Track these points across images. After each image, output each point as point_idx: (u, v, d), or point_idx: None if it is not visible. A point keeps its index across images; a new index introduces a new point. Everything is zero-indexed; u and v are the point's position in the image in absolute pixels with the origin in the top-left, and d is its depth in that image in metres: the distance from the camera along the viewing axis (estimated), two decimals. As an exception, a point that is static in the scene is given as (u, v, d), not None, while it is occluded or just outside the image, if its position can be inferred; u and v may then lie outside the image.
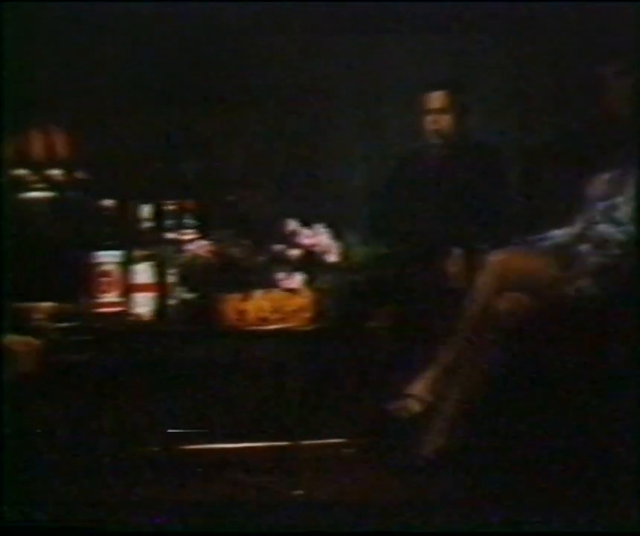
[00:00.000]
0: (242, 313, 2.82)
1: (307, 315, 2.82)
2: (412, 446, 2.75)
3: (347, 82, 3.95)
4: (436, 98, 3.37)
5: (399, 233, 3.26)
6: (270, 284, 2.84)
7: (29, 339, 1.89)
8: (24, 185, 3.37)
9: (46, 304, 2.84)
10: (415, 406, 2.81)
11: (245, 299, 2.83)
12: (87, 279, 2.96)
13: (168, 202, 3.17)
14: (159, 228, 3.15)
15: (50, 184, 3.39)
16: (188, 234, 3.10)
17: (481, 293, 2.81)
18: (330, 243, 2.94)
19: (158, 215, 3.16)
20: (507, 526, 2.34)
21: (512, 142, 3.77)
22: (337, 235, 2.96)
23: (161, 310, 2.92)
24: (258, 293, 2.83)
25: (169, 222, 3.15)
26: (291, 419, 2.82)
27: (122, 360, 2.81)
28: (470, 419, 2.73)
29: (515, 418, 2.72)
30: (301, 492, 2.66)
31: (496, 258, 2.85)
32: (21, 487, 1.96)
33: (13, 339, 1.86)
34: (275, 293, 2.83)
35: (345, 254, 2.96)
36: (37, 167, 3.40)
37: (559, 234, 2.91)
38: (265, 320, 2.82)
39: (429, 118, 3.38)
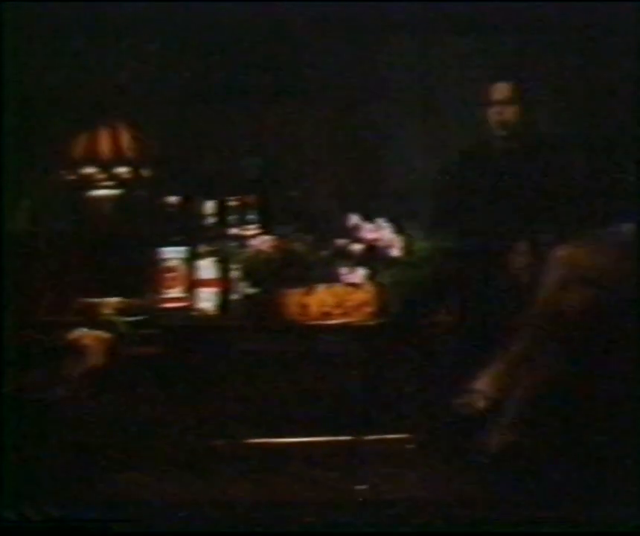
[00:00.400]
0: (304, 307, 2.83)
1: (370, 309, 2.81)
2: (476, 442, 2.72)
3: (411, 76, 3.92)
4: (501, 90, 3.33)
5: (462, 227, 3.23)
6: (333, 279, 2.85)
7: (99, 333, 1.93)
8: (92, 183, 3.45)
9: (114, 300, 2.90)
10: (479, 402, 2.78)
11: (307, 294, 2.84)
12: (153, 275, 3.01)
13: (231, 198, 3.21)
14: (223, 224, 3.18)
15: (117, 182, 3.45)
16: (251, 230, 3.13)
17: (547, 288, 2.77)
18: (393, 237, 2.93)
19: (222, 211, 3.20)
20: (568, 523, 2.30)
21: (578, 135, 3.70)
22: (400, 229, 2.95)
23: (224, 304, 2.95)
24: (321, 288, 2.84)
25: (232, 218, 3.18)
26: (354, 414, 2.82)
27: (187, 354, 2.85)
28: (535, 415, 2.69)
29: (580, 415, 2.68)
30: (364, 487, 2.65)
31: (562, 252, 2.80)
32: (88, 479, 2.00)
33: (84, 333, 1.90)
34: (338, 288, 2.83)
35: (408, 249, 2.95)
36: (104, 165, 3.46)
37: (626, 227, 2.85)
38: (327, 314, 2.82)
39: (494, 110, 3.33)
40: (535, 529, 2.30)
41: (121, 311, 2.83)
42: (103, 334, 1.93)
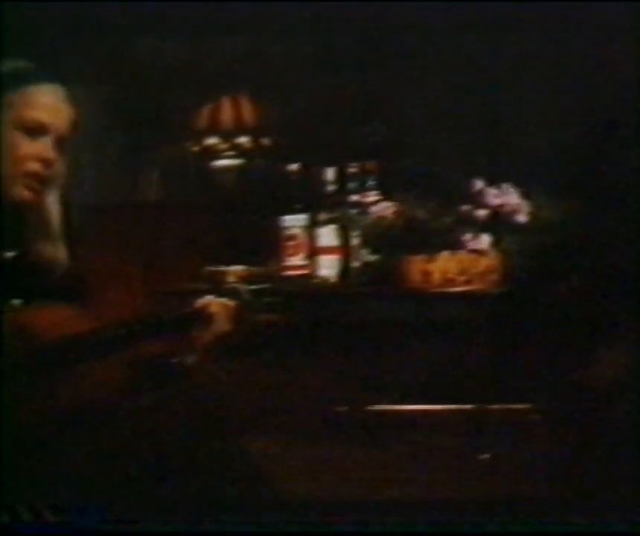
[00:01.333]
0: (427, 274, 2.80)
1: (495, 277, 2.75)
2: (600, 416, 2.64)
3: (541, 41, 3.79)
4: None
5: (591, 192, 3.11)
6: (456, 246, 2.80)
7: (225, 300, 1.95)
8: (216, 153, 3.51)
9: (239, 268, 2.95)
10: (605, 375, 2.68)
11: (430, 261, 2.80)
12: (275, 243, 3.05)
13: (352, 164, 3.19)
14: (343, 191, 3.18)
15: (240, 151, 3.50)
16: (372, 196, 3.11)
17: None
18: (519, 202, 2.85)
19: (343, 178, 3.19)
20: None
21: None
22: (526, 195, 2.87)
23: (345, 272, 2.95)
24: (444, 255, 2.79)
25: (353, 185, 3.17)
26: (477, 382, 2.78)
27: (308, 321, 2.87)
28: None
29: None
30: (487, 456, 2.62)
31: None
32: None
33: (211, 301, 1.93)
34: (462, 255, 2.78)
35: (534, 214, 2.86)
36: (227, 135, 3.52)
37: None
38: (451, 282, 2.78)
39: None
40: None
41: (245, 279, 2.87)
42: (229, 302, 1.95)
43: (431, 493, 2.43)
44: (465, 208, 2.86)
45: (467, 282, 2.77)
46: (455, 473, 2.53)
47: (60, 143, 1.78)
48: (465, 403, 2.82)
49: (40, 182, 1.77)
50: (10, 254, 1.79)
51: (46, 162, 1.75)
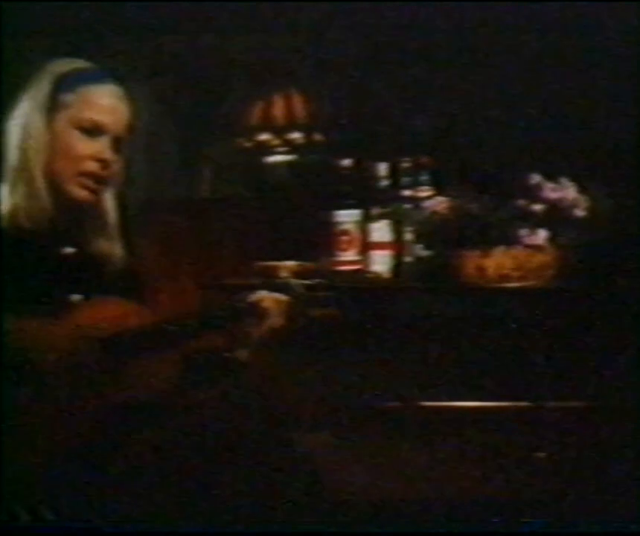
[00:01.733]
0: (481, 270, 2.76)
1: (551, 273, 2.71)
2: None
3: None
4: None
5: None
6: (512, 241, 2.76)
7: (278, 295, 1.96)
8: (268, 149, 3.52)
9: (291, 263, 2.95)
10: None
11: (485, 256, 2.77)
12: (327, 238, 3.04)
13: (405, 159, 3.17)
14: (396, 185, 3.16)
15: (292, 146, 3.51)
16: (426, 191, 3.08)
17: None
18: (577, 196, 2.80)
19: (395, 173, 3.17)
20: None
21: None
22: (584, 189, 2.81)
23: (398, 267, 2.94)
24: (499, 250, 2.75)
25: (406, 180, 3.15)
26: (532, 379, 2.74)
27: (361, 316, 2.86)
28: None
29: None
30: (542, 454, 2.58)
31: None
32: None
33: (264, 296, 1.94)
34: (517, 250, 2.74)
35: (592, 209, 2.80)
36: (279, 130, 3.52)
37: None
38: (506, 277, 2.74)
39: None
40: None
41: (297, 274, 2.87)
42: (282, 297, 1.96)
43: (483, 491, 2.41)
44: (521, 202, 2.81)
45: (523, 278, 2.73)
46: (510, 472, 2.50)
47: (117, 142, 1.80)
48: (519, 401, 2.79)
49: (98, 181, 1.80)
50: (69, 250, 1.82)
51: (104, 162, 1.78)
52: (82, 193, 1.80)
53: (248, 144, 3.56)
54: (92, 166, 1.78)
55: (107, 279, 1.83)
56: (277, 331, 1.96)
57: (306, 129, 3.51)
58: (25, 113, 1.78)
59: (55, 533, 1.71)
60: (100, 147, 1.78)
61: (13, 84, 1.96)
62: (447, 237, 2.87)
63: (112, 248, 1.86)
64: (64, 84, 1.77)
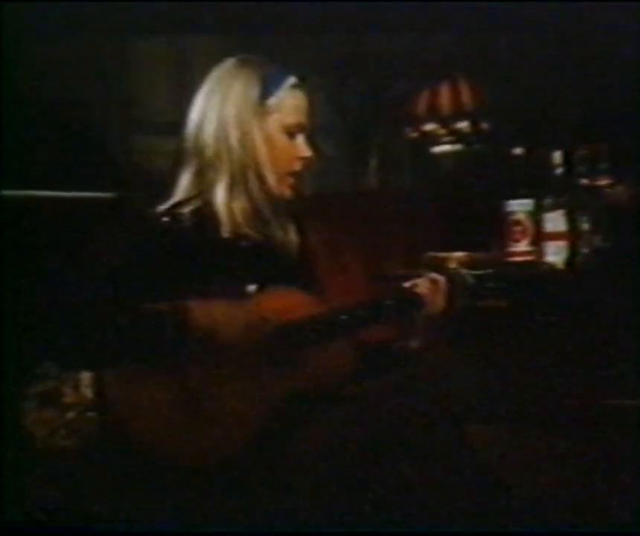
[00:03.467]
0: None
1: None
2: None
3: None
4: None
5: None
6: None
7: (448, 285, 1.93)
8: (436, 139, 3.48)
9: (460, 253, 2.91)
10: None
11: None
12: (498, 228, 2.97)
13: (581, 146, 3.04)
14: (572, 174, 3.03)
15: (459, 136, 3.45)
16: (603, 180, 2.94)
17: None
18: None
19: (571, 161, 3.05)
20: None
21: None
22: None
23: (573, 258, 2.83)
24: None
25: (582, 168, 3.02)
26: None
27: (534, 308, 2.77)
28: None
29: None
30: None
31: None
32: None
33: (433, 286, 1.91)
34: None
35: None
36: (446, 120, 3.48)
37: None
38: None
39: None
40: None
41: (467, 265, 2.83)
42: (453, 286, 1.93)
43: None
44: None
45: None
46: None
47: (311, 139, 1.86)
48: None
49: (299, 178, 1.87)
50: (247, 242, 1.87)
51: (306, 160, 1.85)
52: (287, 192, 1.87)
53: (415, 135, 3.54)
54: (298, 165, 1.85)
55: (281, 270, 1.86)
56: (447, 322, 1.93)
57: (475, 118, 3.44)
58: (229, 112, 1.83)
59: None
60: (302, 146, 1.85)
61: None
62: (627, 227, 2.73)
63: (288, 238, 1.90)
64: (269, 85, 1.83)
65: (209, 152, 1.82)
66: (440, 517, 1.73)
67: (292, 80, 1.86)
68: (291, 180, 1.86)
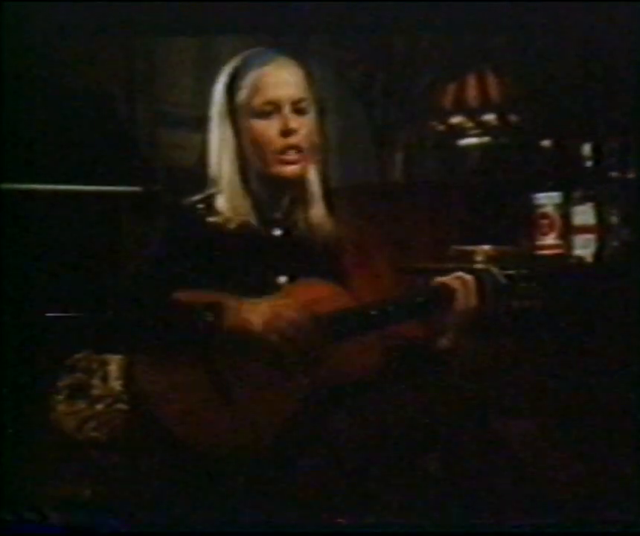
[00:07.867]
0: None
1: None
2: None
3: None
4: None
5: None
6: None
7: (477, 280, 1.91)
8: (462, 131, 3.46)
9: (487, 247, 2.89)
10: None
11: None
12: (526, 222, 2.95)
13: (610, 138, 3.00)
14: (600, 166, 3.00)
15: (487, 129, 3.43)
16: (632, 172, 2.91)
17: None
18: None
19: (599, 153, 3.02)
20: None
21: None
22: None
23: (602, 251, 2.80)
24: None
25: (611, 161, 2.98)
26: None
27: (563, 302, 2.74)
28: None
29: None
30: None
31: None
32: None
33: (462, 283, 1.90)
34: None
35: None
36: (473, 112, 3.45)
37: None
38: None
39: None
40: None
41: (494, 258, 2.81)
42: (478, 281, 1.91)
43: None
44: None
45: None
46: None
47: (298, 109, 1.80)
48: None
49: (296, 151, 1.81)
50: (277, 232, 1.86)
51: (290, 131, 1.79)
52: (287, 169, 1.82)
53: (441, 127, 3.52)
54: (281, 141, 1.79)
55: (310, 262, 1.86)
56: (477, 318, 1.92)
57: (501, 111, 3.42)
58: (214, 125, 1.82)
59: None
60: (282, 119, 1.78)
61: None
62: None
63: (317, 229, 1.88)
64: (237, 79, 1.80)
65: (216, 170, 1.83)
66: (470, 512, 1.73)
67: (258, 60, 1.80)
68: (283, 157, 1.79)
